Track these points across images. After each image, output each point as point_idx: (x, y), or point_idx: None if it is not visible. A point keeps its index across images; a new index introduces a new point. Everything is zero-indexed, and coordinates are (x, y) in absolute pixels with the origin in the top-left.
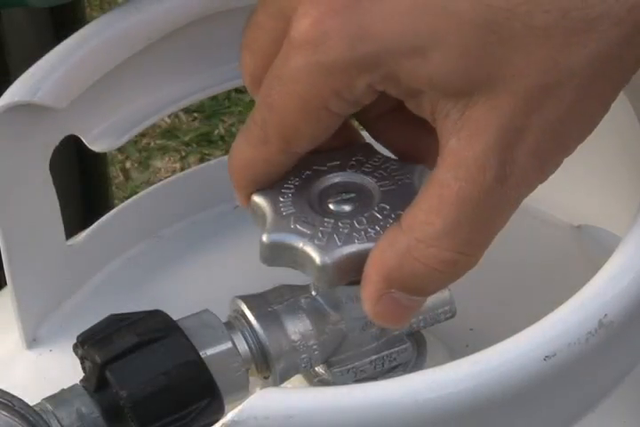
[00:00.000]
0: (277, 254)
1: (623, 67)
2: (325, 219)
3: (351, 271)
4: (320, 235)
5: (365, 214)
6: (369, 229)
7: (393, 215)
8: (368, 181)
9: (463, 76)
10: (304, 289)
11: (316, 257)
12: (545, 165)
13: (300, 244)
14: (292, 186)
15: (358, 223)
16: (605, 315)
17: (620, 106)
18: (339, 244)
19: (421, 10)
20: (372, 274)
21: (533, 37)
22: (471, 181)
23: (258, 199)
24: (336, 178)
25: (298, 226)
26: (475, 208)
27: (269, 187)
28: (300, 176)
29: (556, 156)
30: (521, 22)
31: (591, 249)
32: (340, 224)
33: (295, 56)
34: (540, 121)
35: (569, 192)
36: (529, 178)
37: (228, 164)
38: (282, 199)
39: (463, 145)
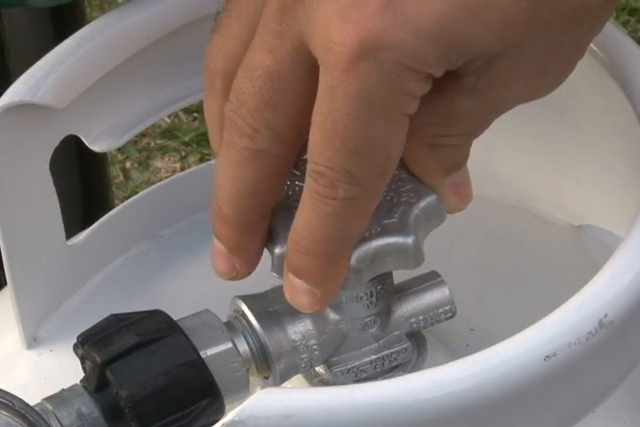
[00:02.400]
0: None
1: None
2: None
3: (369, 269)
4: None
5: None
6: (376, 227)
7: (395, 208)
8: None
9: (500, 40)
10: None
11: None
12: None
13: None
14: (286, 193)
15: None
16: (605, 315)
17: (620, 106)
18: (355, 243)
19: None
20: (426, 175)
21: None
22: (481, 102)
23: None
24: None
25: None
26: (479, 117)
27: None
28: (293, 182)
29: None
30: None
31: (591, 249)
32: None
33: (356, 74)
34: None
35: (569, 192)
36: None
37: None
38: (283, 208)
39: (484, 84)
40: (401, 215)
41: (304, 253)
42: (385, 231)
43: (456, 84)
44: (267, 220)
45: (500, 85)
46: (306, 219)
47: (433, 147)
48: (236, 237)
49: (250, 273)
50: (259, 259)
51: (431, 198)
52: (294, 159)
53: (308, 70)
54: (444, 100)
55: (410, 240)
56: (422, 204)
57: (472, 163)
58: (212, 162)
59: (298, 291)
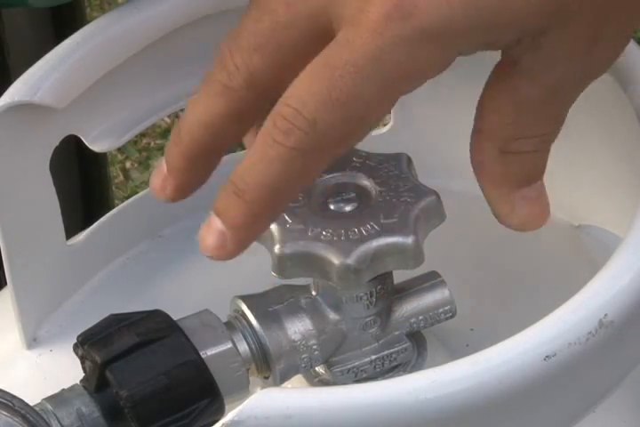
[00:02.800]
0: (293, 265)
1: None
2: (331, 221)
3: (369, 269)
4: (334, 237)
5: (368, 211)
6: (375, 226)
7: (395, 208)
8: (360, 178)
9: (542, 13)
10: (304, 289)
11: (337, 259)
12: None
13: (317, 249)
14: None
15: (365, 221)
16: (605, 315)
17: (621, 106)
18: (355, 243)
19: None
20: (490, 185)
21: None
22: (543, 86)
23: None
24: (332, 180)
25: (309, 233)
26: (549, 108)
27: None
28: None
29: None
30: None
31: (591, 249)
32: (347, 224)
33: (381, 34)
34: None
35: (569, 192)
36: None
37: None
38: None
39: (540, 64)
40: (401, 215)
41: (234, 193)
42: (385, 231)
43: (514, 70)
44: (213, 158)
45: (557, 63)
46: (250, 161)
47: (505, 154)
48: (177, 160)
49: (175, 199)
50: (189, 191)
51: (431, 198)
52: (258, 112)
53: (315, 35)
54: (509, 91)
55: (410, 240)
56: (422, 204)
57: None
58: None
59: (210, 230)
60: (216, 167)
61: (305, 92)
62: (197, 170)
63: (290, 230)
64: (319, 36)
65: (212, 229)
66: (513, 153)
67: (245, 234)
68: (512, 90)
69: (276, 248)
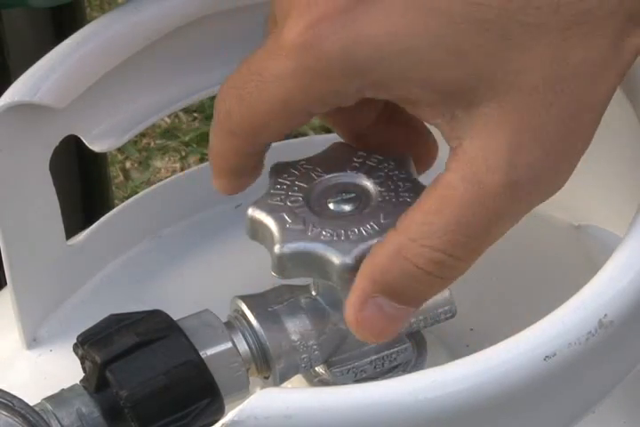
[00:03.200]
0: (293, 265)
1: (621, 55)
2: (331, 221)
3: None
4: (334, 237)
5: (368, 211)
6: (375, 226)
7: (395, 208)
8: (359, 178)
9: (461, 76)
10: (304, 289)
11: (337, 259)
12: (559, 167)
13: (317, 249)
14: (286, 193)
15: (365, 221)
16: (605, 315)
17: (620, 106)
18: (355, 243)
19: (414, 11)
20: (360, 278)
21: (528, 34)
22: (477, 183)
23: (257, 214)
24: (332, 179)
25: (308, 233)
26: (477, 212)
27: (265, 198)
28: (288, 182)
29: (569, 156)
30: (513, 20)
31: (591, 249)
32: (347, 224)
33: (282, 58)
34: (550, 118)
35: (569, 192)
36: (541, 183)
37: (210, 149)
38: (281, 208)
39: (474, 145)
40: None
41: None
42: (385, 231)
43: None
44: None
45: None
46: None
47: (398, 259)
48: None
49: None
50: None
51: None
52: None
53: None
54: (434, 189)
55: None
56: None
57: None
58: None
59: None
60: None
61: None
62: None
63: (290, 230)
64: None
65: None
66: (405, 257)
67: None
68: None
69: (276, 248)
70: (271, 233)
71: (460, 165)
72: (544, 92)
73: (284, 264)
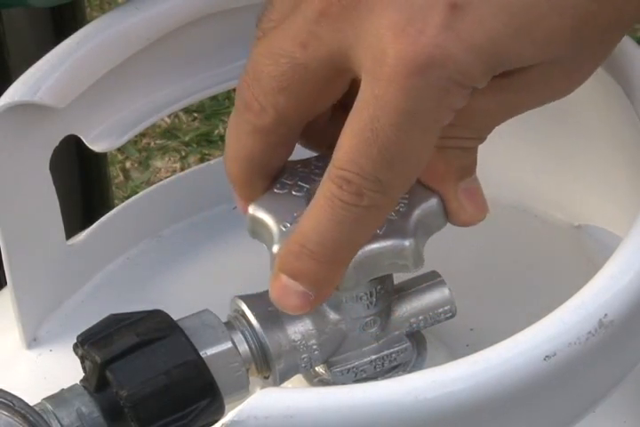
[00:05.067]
0: None
1: None
2: None
3: (369, 269)
4: None
5: None
6: (377, 231)
7: (396, 213)
8: None
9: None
10: None
11: None
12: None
13: None
14: (287, 193)
15: None
16: (605, 315)
17: (621, 106)
18: None
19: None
20: (434, 182)
21: None
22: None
23: (257, 213)
24: None
25: None
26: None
27: (266, 197)
28: (290, 182)
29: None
30: None
31: (591, 249)
32: None
33: (404, 88)
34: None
35: (569, 192)
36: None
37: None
38: (282, 208)
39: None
40: (400, 218)
41: (308, 256)
42: (384, 234)
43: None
44: (268, 178)
45: (528, 91)
46: (318, 222)
47: (444, 149)
48: (236, 189)
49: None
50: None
51: (432, 201)
52: (296, 138)
53: (335, 73)
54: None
55: (408, 243)
56: (423, 206)
57: None
58: (212, 162)
59: (289, 292)
60: (277, 173)
61: (357, 156)
62: (257, 185)
63: (289, 230)
64: (340, 73)
65: (293, 291)
66: (450, 148)
67: (329, 288)
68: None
69: (275, 248)
70: (271, 233)
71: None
72: None
73: None
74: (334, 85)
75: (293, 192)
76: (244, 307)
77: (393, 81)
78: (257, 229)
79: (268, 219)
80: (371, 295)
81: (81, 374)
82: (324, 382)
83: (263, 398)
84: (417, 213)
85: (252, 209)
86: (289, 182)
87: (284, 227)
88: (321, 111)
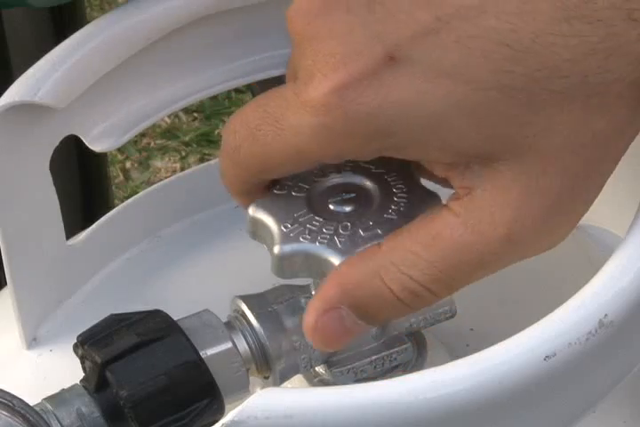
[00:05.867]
0: (293, 265)
1: (636, 122)
2: (331, 221)
3: None
4: (333, 238)
5: (370, 214)
6: (378, 231)
7: (397, 213)
8: (360, 179)
9: (481, 140)
10: (304, 289)
11: (337, 260)
12: (560, 228)
13: (317, 250)
14: (287, 194)
15: (365, 222)
16: (605, 315)
17: None
18: (354, 244)
19: (439, 76)
20: (330, 285)
21: (553, 101)
22: (478, 232)
23: (257, 214)
24: (332, 180)
25: (307, 234)
26: (468, 258)
27: (266, 198)
28: (290, 183)
29: (571, 218)
30: (540, 87)
31: (591, 249)
32: (349, 226)
33: (304, 113)
34: (562, 181)
35: None
36: (539, 242)
37: (220, 171)
38: (282, 209)
39: (483, 197)
40: (401, 216)
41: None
42: (385, 232)
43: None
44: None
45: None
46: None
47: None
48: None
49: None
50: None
51: (432, 200)
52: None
53: None
54: (430, 223)
55: None
56: (423, 206)
57: None
58: (212, 162)
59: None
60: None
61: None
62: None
63: (290, 231)
64: None
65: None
66: (383, 279)
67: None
68: (433, 222)
69: (276, 248)
70: (271, 233)
71: (464, 211)
72: (561, 157)
73: (283, 264)
74: None
75: (293, 193)
76: (244, 307)
77: (301, 107)
78: (257, 230)
79: (268, 220)
80: None
81: (81, 374)
82: (324, 382)
83: (263, 398)
84: (418, 212)
85: (252, 210)
86: (289, 183)
87: (285, 227)
88: None
